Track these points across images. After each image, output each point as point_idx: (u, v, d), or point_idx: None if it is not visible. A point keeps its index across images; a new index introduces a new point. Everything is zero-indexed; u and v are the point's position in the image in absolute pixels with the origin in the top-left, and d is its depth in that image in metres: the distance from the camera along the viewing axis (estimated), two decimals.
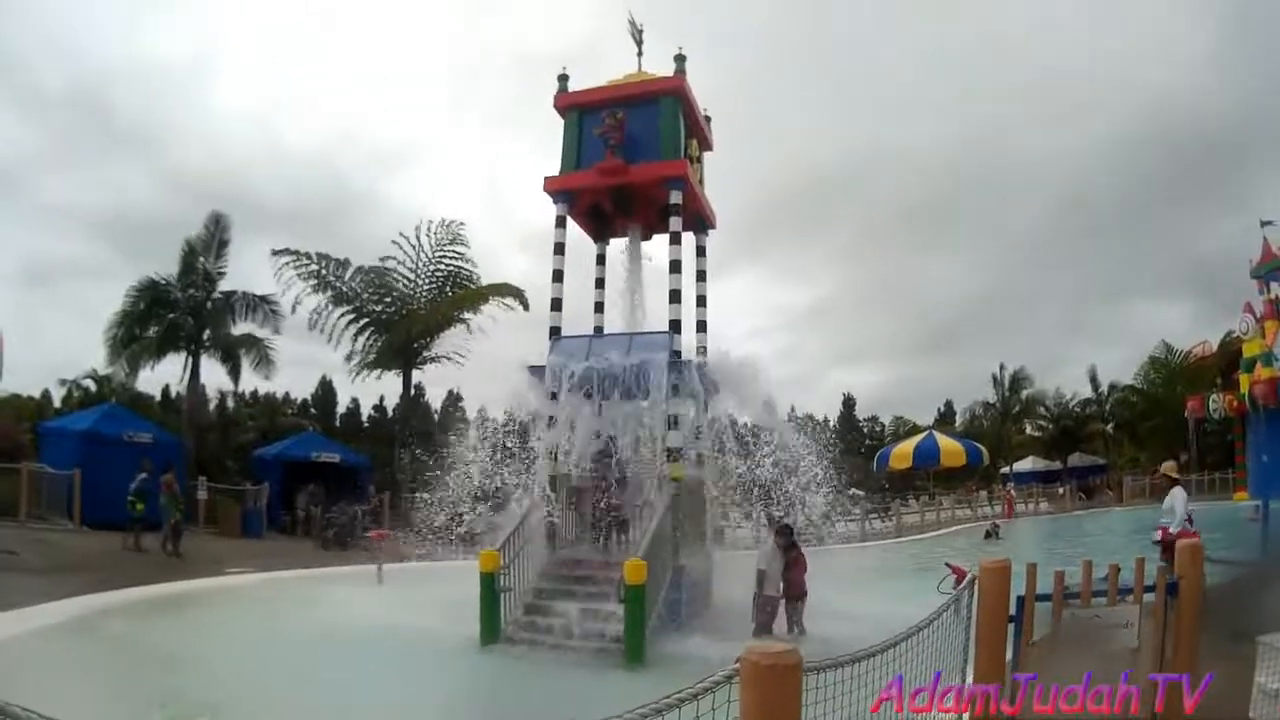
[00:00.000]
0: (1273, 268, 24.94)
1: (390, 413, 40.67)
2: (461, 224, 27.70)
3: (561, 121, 10.65)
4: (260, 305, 25.25)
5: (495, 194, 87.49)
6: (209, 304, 24.71)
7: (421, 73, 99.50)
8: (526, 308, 26.20)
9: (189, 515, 17.37)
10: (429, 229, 27.25)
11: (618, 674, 7.47)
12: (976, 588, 3.69)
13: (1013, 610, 3.61)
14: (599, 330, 11.24)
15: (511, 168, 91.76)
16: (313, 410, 48.68)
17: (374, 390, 58.73)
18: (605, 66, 12.68)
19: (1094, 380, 48.23)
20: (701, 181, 11.29)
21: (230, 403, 33.68)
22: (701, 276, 11.74)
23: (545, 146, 24.61)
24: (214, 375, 26.91)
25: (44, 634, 7.34)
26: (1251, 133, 68.93)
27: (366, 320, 27.16)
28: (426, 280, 27.56)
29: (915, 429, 46.55)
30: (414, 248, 27.22)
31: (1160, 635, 3.93)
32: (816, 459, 10.05)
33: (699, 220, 11.38)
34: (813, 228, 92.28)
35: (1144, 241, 77.85)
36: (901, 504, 30.77)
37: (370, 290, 27.03)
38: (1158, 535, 9.71)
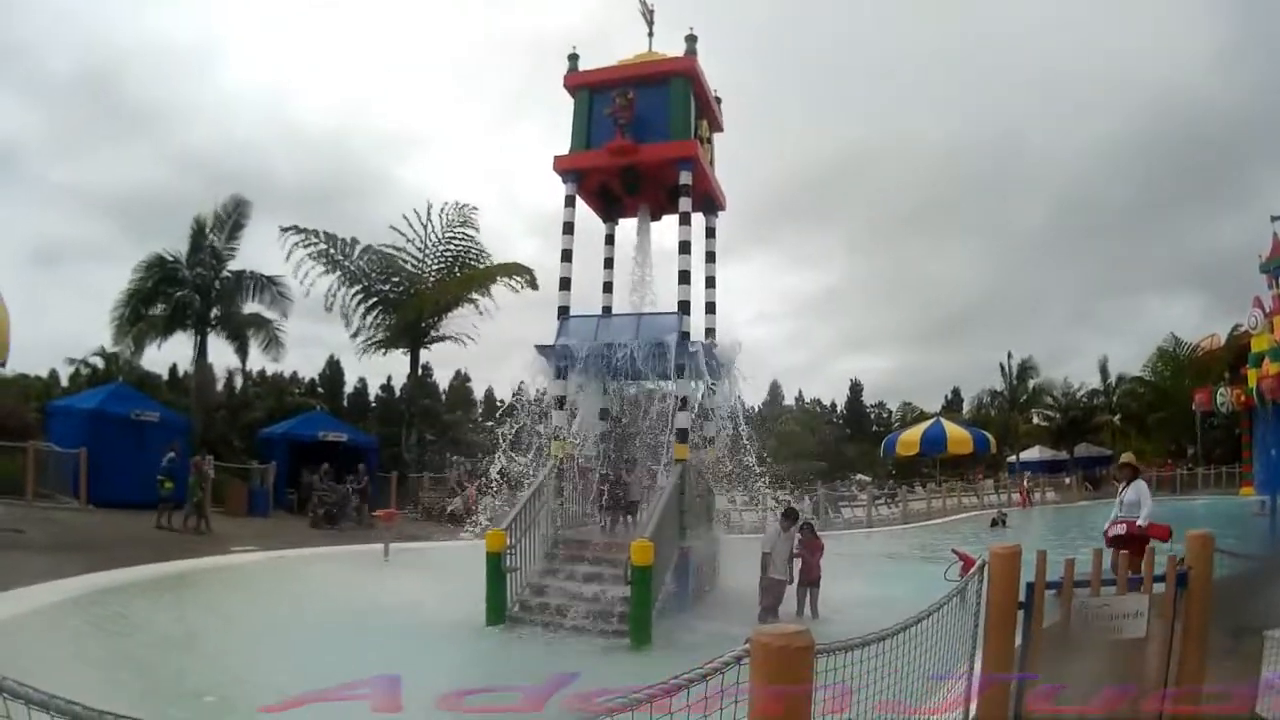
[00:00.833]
0: None
1: (398, 393, 40.67)
2: (475, 208, 27.73)
3: (571, 101, 10.57)
4: (268, 286, 25.31)
5: (505, 179, 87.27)
6: (218, 283, 24.76)
7: (431, 57, 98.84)
8: (535, 287, 26.33)
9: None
10: (441, 210, 27.27)
11: (623, 654, 7.50)
12: (986, 573, 3.66)
13: (1022, 597, 3.59)
14: (607, 310, 11.22)
15: (521, 153, 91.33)
16: (320, 390, 48.71)
17: (381, 370, 58.91)
18: (616, 51, 12.50)
19: (1104, 371, 48.19)
20: (712, 163, 11.19)
21: (238, 381, 33.82)
22: (711, 258, 11.69)
23: (555, 131, 24.54)
24: (222, 355, 27.14)
25: (47, 611, 7.38)
26: (1259, 130, 68.09)
27: (375, 299, 27.18)
28: (435, 260, 27.54)
29: (923, 416, 46.47)
30: (424, 226, 27.19)
31: (1169, 626, 3.90)
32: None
33: (708, 201, 11.30)
34: (823, 215, 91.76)
35: (1151, 236, 77.21)
36: (909, 490, 30.72)
37: (377, 270, 27.00)
38: (1121, 529, 8.53)
